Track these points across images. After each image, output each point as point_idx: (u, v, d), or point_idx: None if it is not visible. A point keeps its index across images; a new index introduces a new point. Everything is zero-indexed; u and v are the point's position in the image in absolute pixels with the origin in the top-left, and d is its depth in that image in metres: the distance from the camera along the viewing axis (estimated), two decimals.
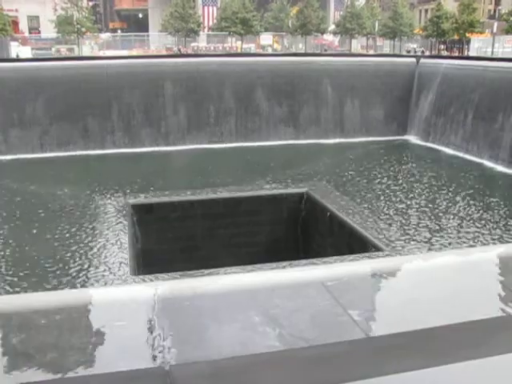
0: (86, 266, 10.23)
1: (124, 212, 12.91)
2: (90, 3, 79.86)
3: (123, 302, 2.36)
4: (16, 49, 49.70)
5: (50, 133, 24.77)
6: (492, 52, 45.52)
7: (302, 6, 64.03)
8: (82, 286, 9.19)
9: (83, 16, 56.68)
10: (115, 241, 11.22)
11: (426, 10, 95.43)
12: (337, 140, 28.26)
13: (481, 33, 60.30)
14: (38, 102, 24.53)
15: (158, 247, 13.09)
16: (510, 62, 26.81)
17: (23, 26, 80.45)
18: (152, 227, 13.16)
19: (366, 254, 10.44)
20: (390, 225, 13.53)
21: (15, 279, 9.92)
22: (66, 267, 10.29)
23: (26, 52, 49.33)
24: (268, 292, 2.34)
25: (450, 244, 12.75)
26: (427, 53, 55.85)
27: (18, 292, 9.01)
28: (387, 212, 15.39)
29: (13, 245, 11.92)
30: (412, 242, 12.34)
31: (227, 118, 27.32)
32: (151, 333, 2.08)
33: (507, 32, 50.10)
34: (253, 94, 27.45)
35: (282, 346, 1.88)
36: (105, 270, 9.85)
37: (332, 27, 72.31)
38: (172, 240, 13.48)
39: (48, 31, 66.61)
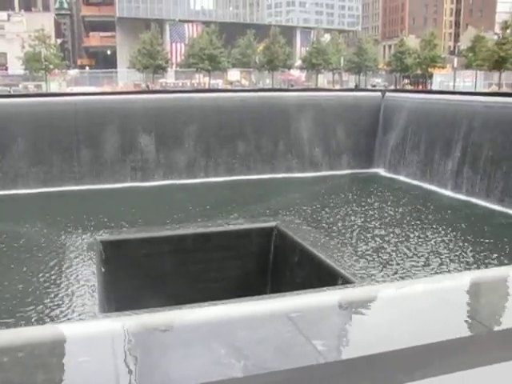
0: (53, 304, 10.06)
1: (93, 248, 12.78)
2: (58, 40, 80.00)
3: (88, 338, 2.35)
4: None
5: (15, 170, 24.50)
6: (454, 86, 46.90)
7: (268, 43, 65.12)
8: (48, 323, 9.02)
9: (51, 53, 56.67)
10: (84, 278, 11.07)
11: (390, 46, 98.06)
12: (304, 174, 28.50)
13: (442, 67, 62.11)
14: (5, 138, 24.31)
15: (127, 284, 12.94)
16: (469, 95, 27.65)
17: None
18: (121, 263, 13.02)
19: (336, 287, 10.49)
20: (360, 257, 13.64)
21: None
22: (33, 305, 10.10)
23: None
24: (232, 325, 2.36)
25: (419, 271, 12.89)
26: (392, 87, 57.17)
27: None
28: (357, 244, 15.52)
29: None
30: (382, 273, 12.45)
31: (196, 153, 27.40)
32: (116, 368, 2.07)
33: (466, 67, 51.77)
34: (220, 130, 27.63)
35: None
36: (73, 307, 9.70)
37: (298, 63, 73.59)
38: (141, 277, 13.34)
39: (15, 68, 66.39)
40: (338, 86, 64.37)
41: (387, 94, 32.45)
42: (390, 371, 2.06)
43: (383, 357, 2.04)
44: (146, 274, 13.41)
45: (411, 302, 2.77)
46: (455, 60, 52.10)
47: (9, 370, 1.98)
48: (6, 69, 78.51)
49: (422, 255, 14.53)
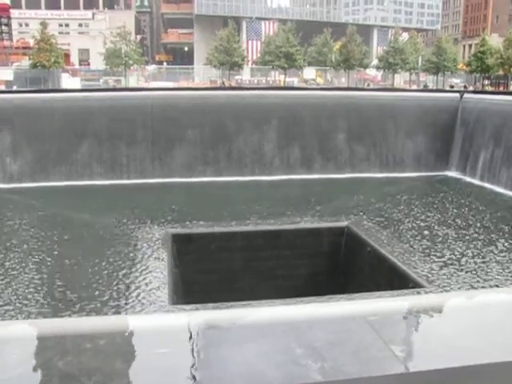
0: (125, 294, 10.33)
1: (164, 241, 13.04)
2: (138, 37, 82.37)
3: (163, 330, 2.39)
4: (67, 80, 51.44)
5: (91, 162, 25.32)
6: None
7: (345, 41, 64.57)
8: (122, 313, 9.27)
9: (131, 49, 58.39)
10: (155, 269, 11.32)
11: (470, 46, 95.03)
12: (374, 175, 27.95)
13: None
14: (84, 131, 25.17)
15: (197, 277, 13.14)
16: None
17: (74, 58, 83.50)
18: (191, 257, 13.24)
19: (408, 291, 10.28)
20: (432, 262, 13.28)
21: (54, 304, 10.07)
22: (106, 294, 10.41)
23: (75, 83, 50.96)
24: (309, 325, 2.33)
25: (495, 284, 12.43)
26: (471, 88, 55.40)
27: (61, 316, 9.15)
28: (429, 250, 15.11)
29: (52, 271, 12.10)
30: (455, 280, 12.08)
31: (272, 150, 27.46)
32: (191, 362, 2.09)
33: None
34: (294, 127, 27.54)
35: (323, 379, 1.87)
36: (144, 298, 9.93)
37: (375, 62, 72.60)
38: (211, 271, 13.51)
39: (97, 63, 68.85)
40: (414, 87, 63.02)
41: (466, 95, 31.37)
42: None
43: (465, 371, 1.96)
44: (216, 269, 13.57)
45: (488, 312, 2.67)
46: None
47: (91, 357, 2.05)
48: (89, 64, 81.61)
49: (499, 263, 13.97)
